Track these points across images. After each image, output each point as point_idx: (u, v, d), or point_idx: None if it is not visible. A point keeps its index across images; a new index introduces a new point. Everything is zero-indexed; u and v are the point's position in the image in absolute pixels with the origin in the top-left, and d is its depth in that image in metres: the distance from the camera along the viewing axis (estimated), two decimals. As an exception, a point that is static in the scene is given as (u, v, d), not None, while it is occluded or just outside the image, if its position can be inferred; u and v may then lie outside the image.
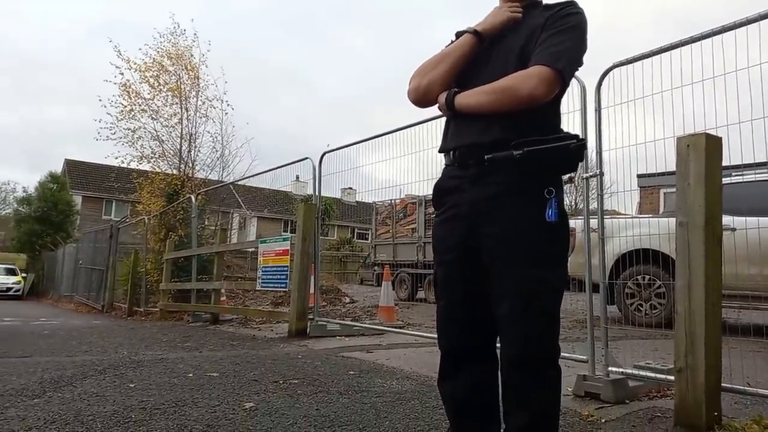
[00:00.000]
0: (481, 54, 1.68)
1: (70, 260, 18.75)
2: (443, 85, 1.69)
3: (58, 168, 31.17)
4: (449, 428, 1.73)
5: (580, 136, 1.59)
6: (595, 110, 3.38)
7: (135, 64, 11.82)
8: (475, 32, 1.69)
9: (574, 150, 1.54)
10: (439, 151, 1.77)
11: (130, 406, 2.84)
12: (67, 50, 69.79)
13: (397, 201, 12.67)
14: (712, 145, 2.68)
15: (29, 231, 25.70)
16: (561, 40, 1.55)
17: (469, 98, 1.61)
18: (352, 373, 3.79)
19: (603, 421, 2.67)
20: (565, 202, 1.70)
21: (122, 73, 11.79)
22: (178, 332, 6.99)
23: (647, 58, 3.20)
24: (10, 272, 24.33)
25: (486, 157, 1.55)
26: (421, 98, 1.73)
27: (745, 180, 5.66)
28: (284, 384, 3.41)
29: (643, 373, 3.11)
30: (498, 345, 1.64)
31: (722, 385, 2.55)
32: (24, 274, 24.90)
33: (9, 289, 22.92)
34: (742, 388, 2.65)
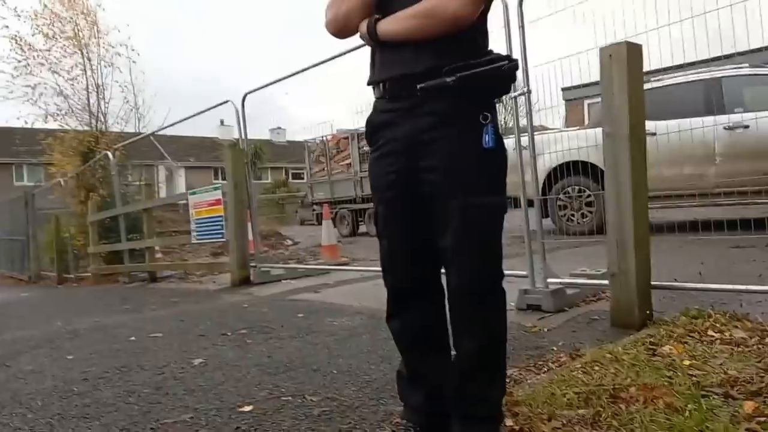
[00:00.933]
0: None
1: (-14, 233, 17.49)
2: (362, 12, 1.56)
3: (-47, 135, 28.44)
4: (401, 362, 1.74)
5: (512, 57, 1.53)
6: (519, 27, 3.32)
7: (23, 12, 10.63)
8: None
9: (507, 71, 1.49)
10: (368, 84, 1.67)
11: (71, 378, 2.71)
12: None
13: (328, 137, 12.45)
14: (633, 53, 2.71)
15: (-67, 207, 23.64)
16: None
17: (392, 25, 1.50)
18: (300, 315, 3.78)
19: (546, 330, 2.81)
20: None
21: (7, 26, 10.60)
22: (115, 295, 6.73)
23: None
24: None
25: (419, 86, 1.48)
26: (341, 28, 1.61)
27: (664, 84, 5.88)
28: (232, 335, 3.36)
29: (579, 281, 3.28)
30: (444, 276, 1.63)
31: (652, 283, 2.71)
32: (-64, 254, 23.10)
33: None
34: (669, 284, 2.84)
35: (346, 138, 12.20)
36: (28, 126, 11.24)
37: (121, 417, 2.13)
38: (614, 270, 2.68)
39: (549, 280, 3.24)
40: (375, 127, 1.64)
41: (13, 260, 13.73)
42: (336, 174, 12.79)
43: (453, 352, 1.65)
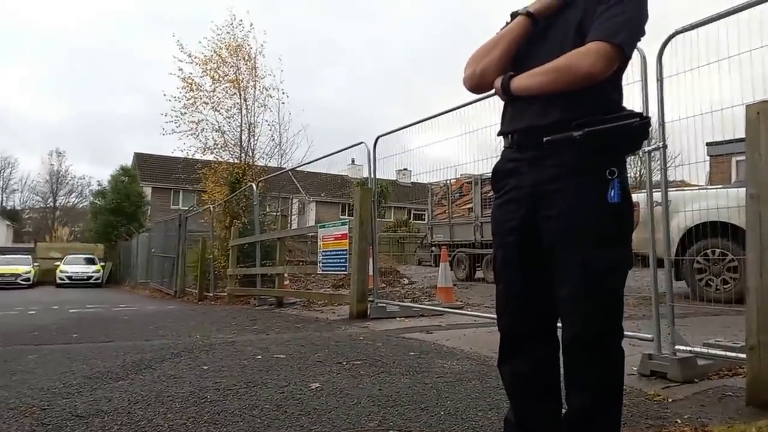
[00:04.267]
0: (537, 34, 1.65)
1: (144, 249, 19.80)
2: (498, 69, 1.67)
3: (123, 159, 32.94)
4: (510, 409, 1.75)
5: (644, 114, 1.54)
6: (657, 80, 3.25)
7: (196, 58, 12.23)
8: (528, 14, 1.66)
9: (637, 129, 1.50)
10: (498, 134, 1.77)
11: (205, 387, 3.02)
12: (113, 42, 71.11)
13: (452, 181, 12.59)
14: (785, 111, 2.53)
15: (105, 222, 27.24)
16: (619, 11, 1.50)
17: (525, 80, 1.59)
18: (412, 353, 3.87)
19: (670, 400, 2.62)
20: (629, 174, 1.66)
21: (181, 69, 12.23)
22: (246, 316, 7.30)
23: (711, 22, 3.04)
24: (90, 261, 25.95)
25: (545, 139, 1.53)
26: (477, 85, 1.73)
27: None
28: (347, 365, 3.52)
29: (712, 351, 3.01)
30: (559, 326, 1.63)
31: (799, 363, 2.44)
32: (102, 263, 26.50)
33: (90, 277, 24.47)
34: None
35: (470, 182, 12.26)
36: (190, 156, 12.76)
37: (245, 428, 2.34)
38: (753, 342, 2.45)
39: (677, 347, 3.02)
40: (501, 174, 1.71)
41: (164, 275, 15.39)
42: (456, 217, 12.84)
43: (564, 408, 1.64)
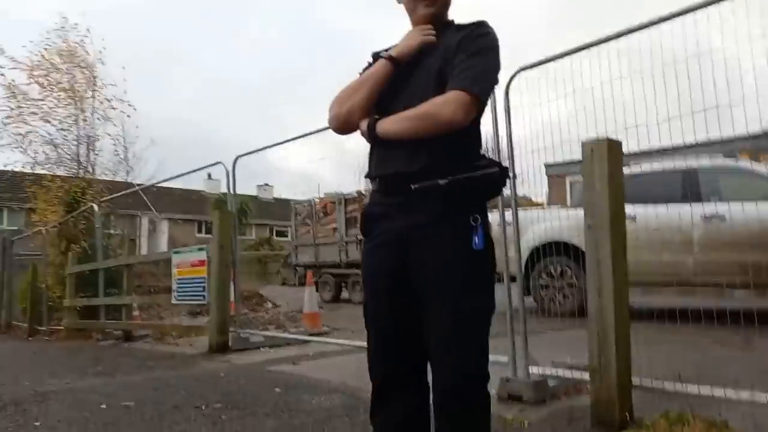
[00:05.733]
0: (398, 78, 1.67)
1: (-42, 276, 16.97)
2: (362, 111, 1.67)
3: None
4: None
5: (503, 164, 1.61)
6: (505, 110, 3.49)
7: (20, 63, 10.74)
8: (390, 57, 1.68)
9: (497, 177, 1.58)
10: (365, 177, 1.76)
11: (35, 453, 2.61)
12: None
13: (316, 200, 12.54)
14: (614, 149, 2.83)
15: None
16: (476, 62, 1.57)
17: (390, 125, 1.60)
18: (278, 390, 3.70)
19: (527, 424, 2.77)
20: None
21: (3, 74, 10.69)
22: (88, 354, 6.51)
23: (550, 62, 3.36)
24: None
25: (413, 187, 1.56)
26: (342, 126, 1.71)
27: (643, 171, 6.08)
28: (207, 409, 3.27)
29: (561, 372, 3.26)
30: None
31: (633, 380, 2.71)
32: None
33: None
34: (650, 386, 2.81)
35: (333, 202, 12.29)
36: (17, 170, 11.18)
37: (85, 502, 2.04)
38: (594, 365, 2.69)
39: (531, 369, 3.22)
40: (371, 218, 1.70)
41: (-16, 307, 13.28)
42: (321, 238, 12.76)
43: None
